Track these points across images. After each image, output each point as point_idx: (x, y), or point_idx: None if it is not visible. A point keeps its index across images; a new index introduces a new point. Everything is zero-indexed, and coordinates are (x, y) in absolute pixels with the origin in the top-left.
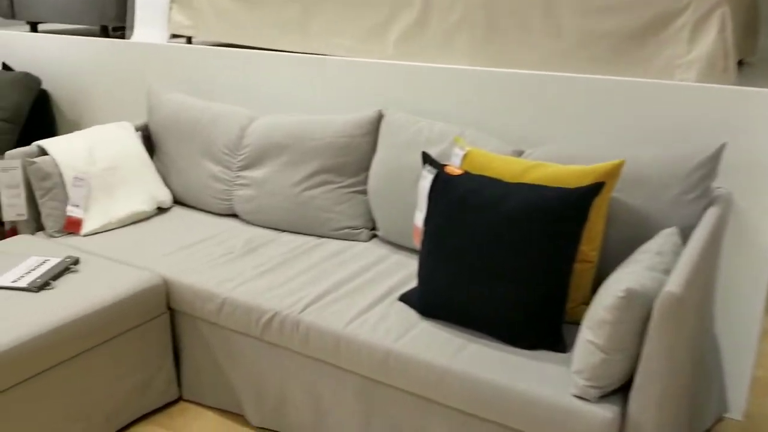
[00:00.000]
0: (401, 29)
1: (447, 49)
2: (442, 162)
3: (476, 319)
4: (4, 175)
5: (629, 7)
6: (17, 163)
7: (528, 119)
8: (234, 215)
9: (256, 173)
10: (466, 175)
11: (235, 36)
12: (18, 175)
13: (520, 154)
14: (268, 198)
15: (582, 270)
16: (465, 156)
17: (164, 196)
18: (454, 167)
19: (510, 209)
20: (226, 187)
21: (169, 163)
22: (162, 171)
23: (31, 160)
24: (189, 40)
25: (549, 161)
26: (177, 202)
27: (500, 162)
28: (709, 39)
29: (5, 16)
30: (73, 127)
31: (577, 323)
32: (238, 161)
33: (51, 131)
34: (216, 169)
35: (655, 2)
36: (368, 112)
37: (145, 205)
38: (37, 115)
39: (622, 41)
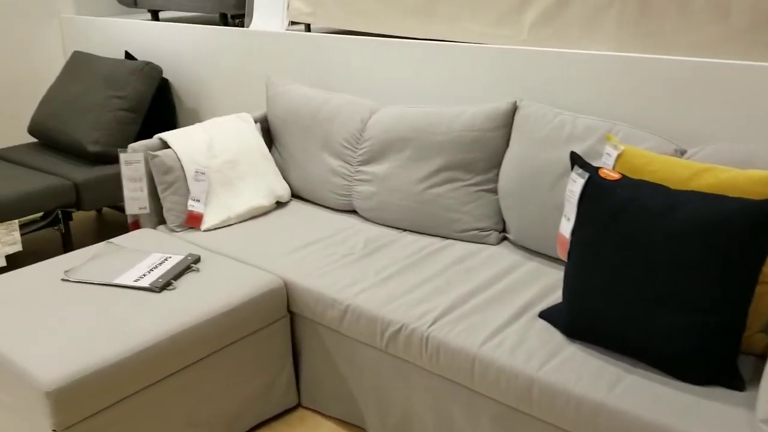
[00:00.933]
0: (538, 11)
1: (591, 32)
2: (590, 161)
3: (634, 347)
4: (127, 168)
5: None
6: (140, 156)
7: (689, 113)
8: (353, 211)
9: (377, 168)
10: (624, 180)
11: (355, 22)
12: (141, 168)
13: (682, 153)
14: (390, 195)
15: (762, 293)
16: (619, 156)
17: (282, 190)
18: (609, 170)
19: (679, 222)
20: (346, 182)
21: (288, 156)
22: (280, 164)
23: (154, 153)
24: (308, 28)
25: (720, 164)
26: (295, 195)
27: (662, 164)
28: None
29: (128, 5)
30: (193, 116)
31: (753, 354)
32: (359, 155)
33: (171, 120)
34: (335, 163)
35: None
36: (501, 104)
37: (264, 200)
38: (157, 103)
39: None
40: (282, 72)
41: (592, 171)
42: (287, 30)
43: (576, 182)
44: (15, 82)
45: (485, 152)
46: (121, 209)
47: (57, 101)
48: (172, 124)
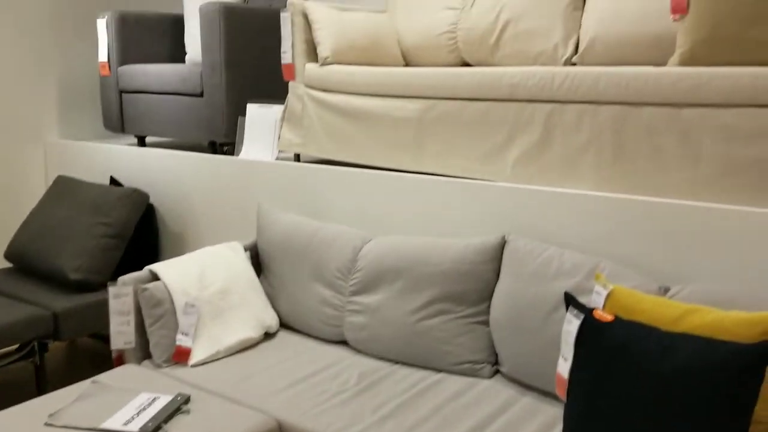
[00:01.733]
0: (520, 151)
1: (571, 172)
2: (578, 297)
3: None
4: (115, 301)
5: None
6: (129, 289)
7: (668, 251)
8: (344, 342)
9: (369, 299)
10: (618, 322)
11: (345, 154)
12: (129, 302)
13: (666, 291)
14: (382, 326)
15: None
16: (609, 295)
17: (271, 320)
18: (603, 312)
19: (676, 366)
20: (337, 313)
21: (278, 285)
22: (270, 293)
23: (144, 286)
24: (297, 158)
25: (702, 302)
26: (283, 325)
27: (650, 304)
28: None
29: (115, 130)
30: (178, 241)
31: None
32: (351, 285)
33: (154, 246)
34: (327, 293)
35: None
36: (490, 238)
37: (254, 331)
38: (141, 229)
39: None
40: (272, 201)
41: (587, 312)
42: (277, 159)
43: (572, 323)
44: None
45: (476, 284)
46: (98, 338)
47: (39, 226)
48: (154, 250)
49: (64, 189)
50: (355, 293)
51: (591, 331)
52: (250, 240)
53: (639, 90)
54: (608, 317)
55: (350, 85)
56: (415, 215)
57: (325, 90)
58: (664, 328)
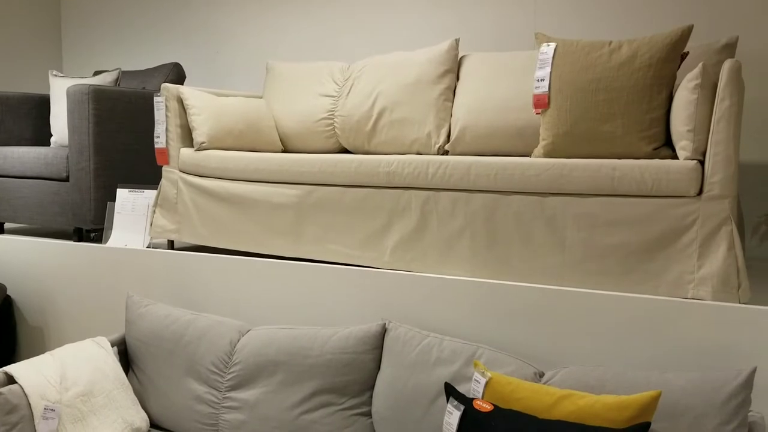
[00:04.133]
0: (398, 236)
1: (447, 258)
2: (457, 385)
3: None
4: None
5: (635, 222)
6: None
7: (539, 335)
8: None
9: (246, 394)
10: (497, 412)
11: (221, 240)
12: None
13: (540, 375)
14: (261, 424)
15: None
16: (487, 383)
17: (140, 422)
18: (482, 402)
19: None
20: (213, 410)
21: (148, 382)
22: (139, 391)
23: None
24: (171, 245)
25: (574, 387)
26: (154, 425)
27: (527, 392)
28: (719, 256)
29: None
30: (37, 336)
31: None
32: (227, 380)
33: (10, 342)
34: (201, 389)
35: (660, 218)
36: (372, 326)
37: None
38: None
39: (630, 255)
40: (143, 290)
41: (467, 404)
42: (149, 247)
43: (453, 414)
44: None
45: (358, 375)
46: None
47: None
48: (10, 344)
49: None
50: (231, 388)
51: (471, 422)
52: (118, 334)
53: (507, 179)
54: (488, 407)
55: (227, 170)
56: (294, 302)
57: (200, 175)
58: (540, 416)
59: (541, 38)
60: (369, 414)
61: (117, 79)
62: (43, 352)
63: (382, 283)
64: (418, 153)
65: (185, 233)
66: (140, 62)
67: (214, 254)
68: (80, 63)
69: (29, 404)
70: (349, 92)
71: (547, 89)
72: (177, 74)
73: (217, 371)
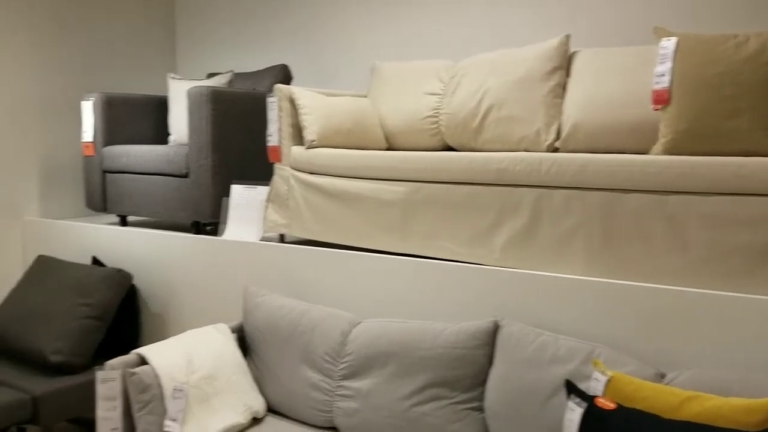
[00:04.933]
0: (509, 235)
1: (560, 256)
2: (578, 384)
3: None
4: (102, 386)
5: (762, 222)
6: (117, 374)
7: (660, 336)
8: (334, 428)
9: (359, 384)
10: (620, 410)
11: (331, 236)
12: (116, 387)
13: (662, 377)
14: (373, 413)
15: None
16: (608, 382)
17: (259, 406)
18: (604, 400)
19: None
20: (327, 398)
21: (265, 368)
22: (257, 376)
23: (132, 370)
24: (282, 238)
25: (699, 389)
26: (271, 409)
27: (650, 391)
28: None
29: (97, 210)
30: (159, 323)
31: None
32: (340, 369)
33: (134, 326)
34: (316, 377)
35: None
36: (483, 323)
37: (241, 417)
38: (121, 309)
39: (757, 256)
40: (257, 281)
41: (589, 401)
42: (262, 240)
43: (574, 411)
44: None
45: (470, 370)
46: (76, 423)
47: (18, 307)
48: (135, 331)
49: (45, 269)
50: (345, 377)
51: (594, 420)
52: (234, 322)
53: (626, 177)
54: (611, 405)
55: (336, 167)
56: (401, 298)
57: (311, 172)
58: (665, 416)
59: (660, 32)
60: (480, 409)
61: (230, 81)
62: (164, 338)
63: (491, 281)
64: (526, 150)
65: (296, 227)
66: (248, 64)
67: (324, 248)
68: (192, 67)
69: (160, 384)
70: (455, 90)
71: (667, 85)
72: (285, 75)
73: (330, 360)
